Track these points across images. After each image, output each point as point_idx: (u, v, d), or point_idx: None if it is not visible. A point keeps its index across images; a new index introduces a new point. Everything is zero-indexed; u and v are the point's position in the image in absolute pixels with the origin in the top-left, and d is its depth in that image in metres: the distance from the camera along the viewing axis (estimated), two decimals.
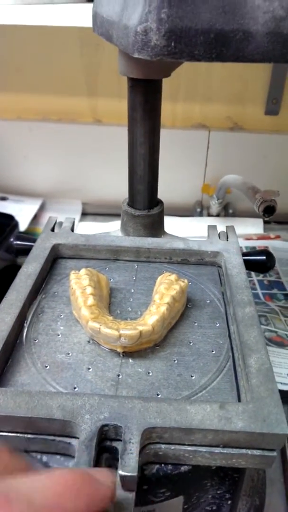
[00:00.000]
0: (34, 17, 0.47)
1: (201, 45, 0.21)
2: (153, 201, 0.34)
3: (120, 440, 0.19)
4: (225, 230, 0.35)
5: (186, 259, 0.32)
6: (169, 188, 0.77)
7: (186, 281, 0.27)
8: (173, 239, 0.33)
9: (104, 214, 0.76)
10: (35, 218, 0.74)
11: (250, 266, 0.33)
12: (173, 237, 0.37)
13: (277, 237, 0.71)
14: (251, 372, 0.22)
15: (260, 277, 0.61)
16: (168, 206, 0.74)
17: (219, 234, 0.34)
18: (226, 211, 0.74)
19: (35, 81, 0.70)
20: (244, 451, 0.20)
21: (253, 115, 0.70)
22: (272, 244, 0.69)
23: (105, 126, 0.71)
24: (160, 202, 0.36)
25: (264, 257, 0.34)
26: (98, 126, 0.72)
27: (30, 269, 0.29)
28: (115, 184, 0.76)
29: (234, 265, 0.29)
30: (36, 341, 0.26)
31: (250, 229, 0.71)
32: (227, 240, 0.33)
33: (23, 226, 0.69)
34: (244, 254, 0.33)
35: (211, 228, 0.34)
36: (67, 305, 0.28)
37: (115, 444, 0.20)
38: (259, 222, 0.73)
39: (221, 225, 0.72)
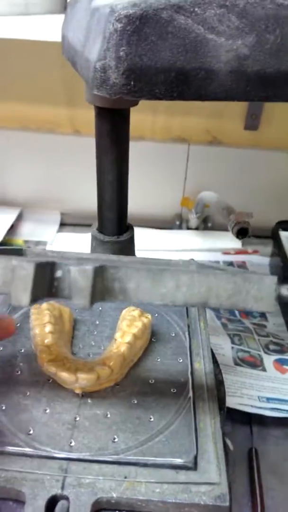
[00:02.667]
0: (9, 30, 0.46)
1: (162, 84, 0.21)
2: (122, 227, 0.34)
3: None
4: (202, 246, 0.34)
5: None
6: (148, 200, 0.77)
7: (149, 316, 0.26)
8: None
9: (83, 224, 0.76)
10: (12, 228, 0.72)
11: None
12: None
13: (255, 251, 0.71)
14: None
15: None
16: (147, 218, 0.74)
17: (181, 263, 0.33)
18: (205, 224, 0.74)
19: (14, 90, 0.68)
20: (197, 500, 0.19)
21: (232, 130, 0.70)
22: (250, 259, 0.69)
23: (84, 137, 0.70)
24: (130, 228, 0.35)
25: None
26: (77, 137, 0.71)
27: None
28: (94, 195, 0.75)
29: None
30: None
31: (228, 243, 0.71)
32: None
33: None
34: None
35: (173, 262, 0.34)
36: (29, 338, 0.27)
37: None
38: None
39: (199, 238, 0.72)
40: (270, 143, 0.69)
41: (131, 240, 0.34)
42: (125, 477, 0.20)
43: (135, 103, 0.28)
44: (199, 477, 0.20)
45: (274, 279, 0.18)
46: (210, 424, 0.22)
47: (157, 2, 0.20)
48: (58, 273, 0.18)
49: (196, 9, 0.20)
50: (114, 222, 0.33)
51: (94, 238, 0.34)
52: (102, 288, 0.18)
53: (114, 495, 0.19)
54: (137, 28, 0.19)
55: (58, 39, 0.46)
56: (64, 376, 0.22)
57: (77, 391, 0.23)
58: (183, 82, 0.21)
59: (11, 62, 0.65)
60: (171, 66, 0.21)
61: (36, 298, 0.17)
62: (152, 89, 0.21)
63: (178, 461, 0.20)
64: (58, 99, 0.69)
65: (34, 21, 0.48)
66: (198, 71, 0.21)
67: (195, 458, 0.21)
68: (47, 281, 0.18)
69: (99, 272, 0.17)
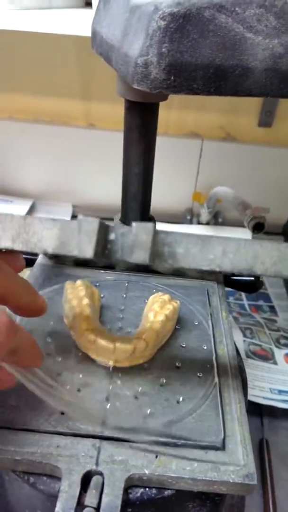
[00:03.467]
0: (31, 23, 0.46)
1: (200, 79, 0.21)
2: (145, 218, 0.35)
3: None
4: None
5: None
6: (160, 194, 0.78)
7: (178, 302, 0.27)
8: None
9: (95, 217, 0.76)
10: None
11: (239, 286, 0.34)
12: None
13: None
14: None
15: None
16: (159, 212, 0.74)
17: None
18: (216, 219, 0.75)
19: (29, 82, 0.69)
20: (226, 478, 0.20)
21: (246, 126, 0.70)
22: None
23: (98, 130, 0.71)
24: (152, 219, 0.36)
25: (253, 278, 0.34)
26: (91, 130, 0.71)
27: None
28: (106, 188, 0.76)
29: None
30: None
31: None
32: None
33: None
34: (233, 275, 0.33)
35: None
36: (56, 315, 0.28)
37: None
38: (248, 232, 0.74)
39: (210, 233, 0.73)
40: (284, 140, 0.70)
41: None
42: (156, 456, 0.21)
43: (165, 98, 0.29)
44: (227, 457, 0.21)
45: None
46: (235, 409, 0.23)
47: (200, 1, 0.20)
48: (111, 236, 0.19)
49: (236, 8, 0.21)
50: (138, 214, 0.34)
51: None
52: (154, 250, 0.19)
53: (146, 471, 0.21)
54: (180, 25, 0.20)
55: (78, 33, 0.46)
56: (103, 344, 0.23)
57: (111, 363, 0.24)
58: (221, 78, 0.22)
59: (27, 55, 0.66)
60: (210, 62, 0.21)
61: (97, 253, 0.18)
62: (191, 84, 0.22)
63: (207, 441, 0.21)
64: (73, 92, 0.69)
65: (56, 15, 0.49)
66: (235, 68, 0.22)
67: (223, 439, 0.22)
68: (103, 240, 0.19)
69: (154, 233, 0.19)
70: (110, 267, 0.35)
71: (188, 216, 0.75)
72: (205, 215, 0.72)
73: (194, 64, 0.21)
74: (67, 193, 0.77)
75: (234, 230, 0.73)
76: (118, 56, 0.24)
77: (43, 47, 0.65)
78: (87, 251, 0.18)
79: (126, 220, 0.35)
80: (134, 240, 0.19)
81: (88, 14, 0.48)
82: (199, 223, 0.75)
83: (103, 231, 0.20)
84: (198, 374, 0.25)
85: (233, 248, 0.19)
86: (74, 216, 0.77)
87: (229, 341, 0.27)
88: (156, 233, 0.19)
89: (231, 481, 0.20)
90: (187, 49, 0.21)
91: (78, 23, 0.47)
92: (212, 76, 0.22)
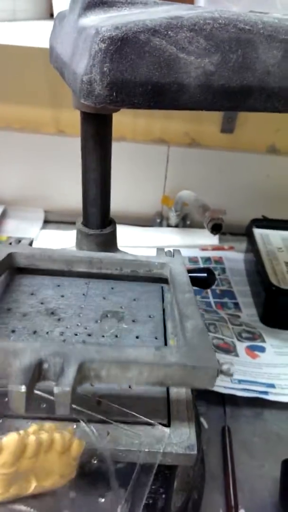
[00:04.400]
0: None
1: (140, 95, 0.24)
2: (105, 221, 0.37)
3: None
4: (171, 250, 0.38)
5: (135, 270, 0.35)
6: (131, 198, 0.80)
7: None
8: (124, 254, 0.36)
9: (66, 222, 0.78)
10: None
11: (192, 282, 0.36)
12: (125, 253, 0.39)
13: (231, 247, 0.75)
14: (187, 331, 0.25)
15: (213, 286, 0.65)
16: (129, 216, 0.77)
17: (165, 253, 0.37)
18: (184, 222, 0.78)
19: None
20: (168, 449, 0.23)
21: (210, 133, 0.74)
22: (226, 255, 0.73)
23: (68, 137, 0.73)
24: (112, 222, 0.38)
25: (205, 275, 0.37)
26: (61, 136, 0.73)
27: None
28: (77, 193, 0.77)
29: (178, 272, 0.32)
30: None
31: (206, 240, 0.75)
32: (173, 257, 0.36)
33: None
34: (188, 271, 0.36)
35: (159, 250, 0.37)
36: (20, 320, 0.30)
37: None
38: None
39: (179, 235, 0.76)
40: (245, 145, 0.74)
41: (113, 234, 0.38)
42: (108, 433, 0.23)
43: (116, 110, 0.31)
44: (171, 431, 0.23)
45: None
46: (183, 392, 0.26)
47: (136, 26, 0.23)
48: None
49: (169, 32, 0.23)
50: (98, 217, 0.36)
51: (79, 231, 0.37)
52: (81, 376, 0.21)
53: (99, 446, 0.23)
54: (118, 48, 0.23)
55: (43, 45, 0.48)
56: None
57: None
58: (159, 94, 0.24)
59: None
60: (148, 80, 0.24)
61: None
62: (131, 100, 0.24)
63: (154, 420, 0.24)
64: (43, 101, 0.71)
65: (21, 26, 0.51)
66: (171, 85, 0.24)
67: (169, 417, 0.24)
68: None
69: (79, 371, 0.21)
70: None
71: (158, 219, 0.78)
72: (173, 218, 0.75)
73: (134, 82, 0.23)
74: (38, 198, 0.78)
75: (202, 232, 0.77)
76: (69, 72, 0.27)
77: (12, 57, 0.67)
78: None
79: (87, 223, 0.37)
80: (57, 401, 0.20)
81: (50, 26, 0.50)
82: (168, 225, 0.78)
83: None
84: None
85: (148, 369, 0.22)
86: (46, 221, 0.79)
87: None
88: (81, 365, 0.21)
89: (174, 452, 0.22)
90: (126, 68, 0.23)
91: (43, 35, 0.49)
92: (151, 92, 0.24)
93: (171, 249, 0.37)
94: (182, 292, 0.29)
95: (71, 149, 0.75)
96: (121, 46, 0.23)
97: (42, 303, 0.32)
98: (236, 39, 0.25)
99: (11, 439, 0.20)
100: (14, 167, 0.76)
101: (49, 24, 0.53)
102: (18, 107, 0.73)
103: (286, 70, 0.26)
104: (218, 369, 0.23)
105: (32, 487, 0.21)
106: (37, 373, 0.21)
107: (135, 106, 0.24)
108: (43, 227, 0.78)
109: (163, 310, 0.32)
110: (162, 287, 0.35)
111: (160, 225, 0.78)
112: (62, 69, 0.29)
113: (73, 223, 0.77)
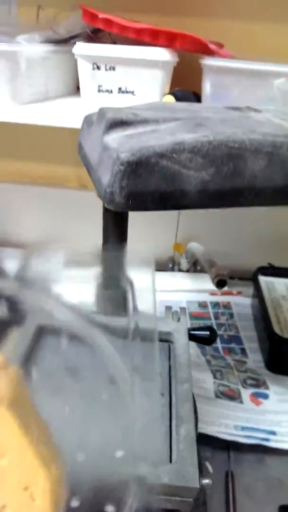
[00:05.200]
0: (31, 117, 0.56)
1: (151, 201, 0.30)
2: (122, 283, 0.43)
3: None
4: (178, 310, 0.43)
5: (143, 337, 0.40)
6: (145, 243, 0.87)
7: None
8: (137, 318, 0.41)
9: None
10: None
11: (196, 339, 0.41)
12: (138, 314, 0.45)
13: (239, 293, 0.80)
14: (180, 440, 0.29)
15: (221, 331, 0.70)
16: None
17: (172, 314, 0.42)
18: (195, 267, 0.83)
19: (29, 151, 0.79)
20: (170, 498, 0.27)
21: None
22: (234, 300, 0.77)
23: (90, 192, 0.80)
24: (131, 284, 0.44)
25: (208, 333, 0.42)
26: (83, 191, 0.81)
27: None
28: (95, 243, 0.85)
29: (181, 344, 0.38)
30: None
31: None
32: (179, 321, 0.41)
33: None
34: (192, 329, 0.41)
35: (167, 308, 0.43)
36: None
37: None
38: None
39: (189, 280, 0.81)
40: None
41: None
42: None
43: None
44: (174, 468, 0.28)
45: None
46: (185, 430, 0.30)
47: (148, 152, 0.29)
48: None
49: (174, 154, 0.30)
50: (116, 280, 0.42)
51: (97, 294, 0.43)
52: None
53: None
54: (134, 169, 0.29)
55: (70, 125, 0.56)
56: None
57: None
58: (165, 200, 0.31)
59: (29, 132, 0.76)
60: (157, 190, 0.30)
61: None
62: (144, 205, 0.30)
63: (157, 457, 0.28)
64: (67, 160, 0.80)
65: (51, 107, 0.59)
66: (175, 192, 0.31)
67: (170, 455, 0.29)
68: None
69: None
70: None
71: (170, 264, 0.84)
72: (184, 264, 0.81)
73: (145, 192, 0.30)
74: (59, 248, 0.86)
75: None
76: (95, 177, 0.33)
77: (42, 127, 0.76)
78: None
79: (106, 286, 0.43)
80: None
81: (77, 102, 0.58)
82: (179, 270, 0.83)
83: None
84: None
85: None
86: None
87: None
88: None
89: (173, 499, 0.27)
90: (140, 183, 0.30)
91: (70, 114, 0.57)
92: (159, 199, 0.30)
93: (178, 310, 0.43)
94: (180, 382, 0.33)
95: (92, 202, 0.82)
96: (136, 168, 0.29)
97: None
98: (228, 155, 0.31)
99: None
100: (37, 217, 0.84)
101: (75, 100, 0.62)
102: (43, 165, 0.81)
103: (270, 174, 0.33)
104: (199, 488, 0.27)
105: None
106: None
107: (147, 209, 0.31)
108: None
109: (169, 368, 0.37)
110: (169, 346, 0.40)
111: (172, 269, 0.84)
112: (89, 168, 0.36)
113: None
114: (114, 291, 0.42)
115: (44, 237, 0.85)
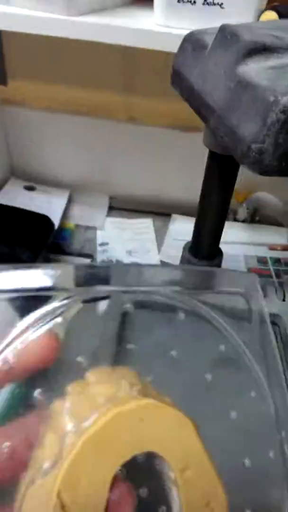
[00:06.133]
0: (86, 31, 0.45)
1: None
2: (215, 253, 0.36)
3: None
4: (276, 284, 0.37)
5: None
6: (198, 189, 0.78)
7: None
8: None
9: (131, 210, 0.77)
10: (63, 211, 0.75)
11: None
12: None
13: None
14: None
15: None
16: (194, 206, 0.75)
17: (276, 290, 0.36)
18: (253, 217, 0.75)
19: (70, 73, 0.68)
20: None
21: None
22: None
23: (139, 126, 0.70)
24: (220, 253, 0.38)
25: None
26: (132, 125, 0.71)
27: None
28: (144, 181, 0.76)
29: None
30: None
31: (274, 238, 0.73)
32: (284, 300, 0.35)
33: (55, 221, 0.69)
34: None
35: (268, 283, 0.37)
36: None
37: None
38: (283, 230, 0.75)
39: (246, 231, 0.74)
40: None
41: (218, 265, 0.37)
42: None
43: None
44: None
45: None
46: None
47: None
48: None
49: None
50: (208, 249, 0.35)
51: (186, 259, 0.37)
52: None
53: None
54: None
55: (133, 42, 0.45)
56: None
57: None
58: None
59: (69, 46, 0.64)
60: None
61: None
62: None
63: None
64: (115, 85, 0.68)
65: (113, 18, 0.47)
66: None
67: None
68: None
69: None
70: None
71: None
72: (242, 213, 0.73)
73: None
74: (104, 184, 0.78)
75: (271, 228, 0.74)
76: (219, 123, 0.25)
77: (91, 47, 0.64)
78: None
79: (196, 253, 0.36)
80: None
81: (143, 15, 0.47)
82: (235, 220, 0.76)
83: None
84: None
85: None
86: (110, 208, 0.78)
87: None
88: None
89: None
90: None
91: (134, 29, 0.46)
92: None
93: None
94: None
95: (141, 137, 0.73)
96: None
97: None
98: None
99: None
100: (80, 152, 0.74)
101: (140, 12, 0.49)
102: (88, 91, 0.70)
103: None
104: None
105: None
106: None
107: None
108: (108, 215, 0.77)
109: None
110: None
111: (227, 219, 0.76)
112: (201, 109, 0.28)
113: (137, 211, 0.76)
114: (206, 262, 0.36)
115: (84, 174, 0.77)
